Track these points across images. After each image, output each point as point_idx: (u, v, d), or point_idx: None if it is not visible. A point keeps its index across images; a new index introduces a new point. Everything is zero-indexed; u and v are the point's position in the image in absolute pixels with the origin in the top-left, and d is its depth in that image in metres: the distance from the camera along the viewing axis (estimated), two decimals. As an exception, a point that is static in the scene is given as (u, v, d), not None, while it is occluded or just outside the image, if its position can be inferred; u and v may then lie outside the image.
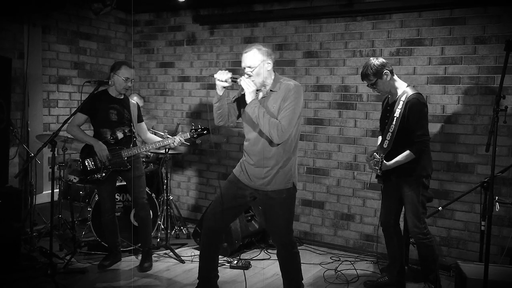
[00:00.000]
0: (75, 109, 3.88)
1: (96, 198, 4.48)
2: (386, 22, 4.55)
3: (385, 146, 3.53)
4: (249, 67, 3.03)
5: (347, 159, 4.83)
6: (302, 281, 3.37)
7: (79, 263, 4.22)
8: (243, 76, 3.04)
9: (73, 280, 3.88)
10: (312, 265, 4.39)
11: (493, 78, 4.11)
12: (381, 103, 4.61)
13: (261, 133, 3.07)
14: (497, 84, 4.03)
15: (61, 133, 4.06)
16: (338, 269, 4.28)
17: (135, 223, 4.47)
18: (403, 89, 3.52)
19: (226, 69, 3.11)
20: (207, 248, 3.35)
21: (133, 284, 3.89)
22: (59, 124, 5.11)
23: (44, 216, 4.88)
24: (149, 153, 5.38)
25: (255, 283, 3.97)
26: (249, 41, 5.28)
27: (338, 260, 4.52)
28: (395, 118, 3.47)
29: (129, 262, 4.33)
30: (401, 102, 3.46)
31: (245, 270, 4.22)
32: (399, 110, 3.45)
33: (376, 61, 3.50)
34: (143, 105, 5.63)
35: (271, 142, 3.06)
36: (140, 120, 4.27)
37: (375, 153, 3.57)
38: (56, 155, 3.95)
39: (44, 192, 5.14)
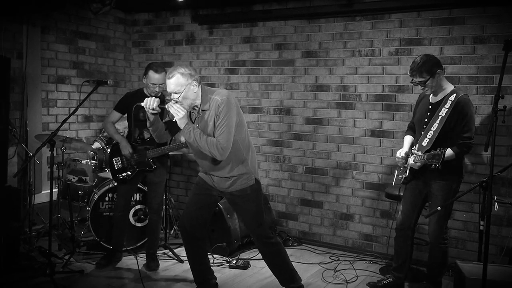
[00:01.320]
0: (74, 108, 3.86)
1: (95, 197, 4.48)
2: (385, 22, 4.55)
3: (424, 144, 3.41)
4: (175, 92, 3.03)
5: (346, 159, 4.83)
6: (302, 282, 3.38)
7: (78, 263, 4.22)
8: (170, 103, 3.04)
9: (72, 280, 3.88)
10: (311, 264, 4.39)
11: (492, 77, 4.11)
12: (380, 103, 4.63)
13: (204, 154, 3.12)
14: (496, 84, 4.03)
15: (60, 133, 4.06)
16: (337, 268, 4.28)
17: (133, 222, 4.47)
18: (451, 89, 3.43)
19: (155, 96, 3.19)
20: (190, 251, 3.43)
21: (133, 284, 3.89)
22: (58, 123, 5.09)
23: (43, 215, 4.87)
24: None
25: (254, 283, 3.96)
26: (248, 40, 5.28)
27: (337, 260, 4.52)
28: (439, 117, 3.37)
29: (129, 261, 4.33)
30: (449, 102, 3.36)
31: (244, 270, 4.22)
32: (446, 110, 3.35)
33: (429, 58, 3.37)
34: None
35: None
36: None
37: (412, 151, 3.47)
38: (55, 154, 3.95)
39: (43, 192, 5.13)
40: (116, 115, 4.15)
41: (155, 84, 3.97)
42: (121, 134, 4.26)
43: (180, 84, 3.00)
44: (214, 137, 3.01)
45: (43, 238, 4.53)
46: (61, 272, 3.93)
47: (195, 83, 3.05)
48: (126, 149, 4.04)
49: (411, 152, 3.52)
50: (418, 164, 3.41)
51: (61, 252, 4.42)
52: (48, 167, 4.65)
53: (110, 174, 4.24)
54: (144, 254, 4.30)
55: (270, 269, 3.44)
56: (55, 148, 3.89)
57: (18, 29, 4.91)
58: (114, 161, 4.13)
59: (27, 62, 4.94)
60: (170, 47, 5.87)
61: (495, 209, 3.52)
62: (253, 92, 5.32)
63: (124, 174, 4.06)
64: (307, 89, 4.99)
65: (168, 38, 5.88)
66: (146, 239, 4.32)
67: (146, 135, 4.09)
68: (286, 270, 3.38)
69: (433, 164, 3.23)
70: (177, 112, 3.00)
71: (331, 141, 4.90)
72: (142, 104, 3.07)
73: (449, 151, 3.29)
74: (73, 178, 4.68)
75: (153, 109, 3.05)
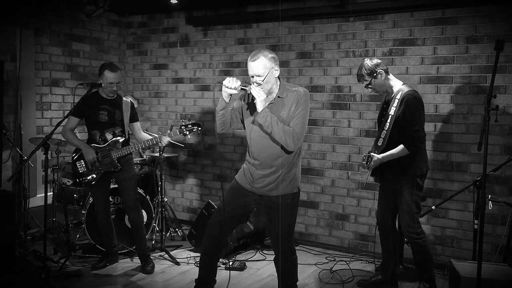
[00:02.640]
0: (68, 111, 3.86)
1: (90, 200, 4.47)
2: (379, 22, 4.56)
3: (379, 144, 3.55)
4: (258, 75, 2.96)
5: (341, 159, 4.84)
6: (297, 283, 3.37)
7: (73, 266, 4.21)
8: (252, 85, 2.96)
9: (68, 284, 3.87)
10: (307, 265, 4.39)
11: (485, 77, 4.13)
12: (374, 103, 4.65)
13: (268, 139, 3.02)
14: (489, 83, 4.05)
15: (54, 136, 4.06)
16: (333, 269, 4.29)
17: (129, 225, 4.46)
18: (399, 87, 3.54)
19: (234, 76, 3.01)
20: (208, 255, 3.31)
21: (129, 287, 3.88)
22: (52, 127, 5.08)
23: (38, 219, 4.85)
24: (144, 155, 5.37)
25: (250, 284, 3.96)
26: (243, 42, 5.29)
27: (333, 260, 4.53)
28: (390, 116, 3.49)
29: (125, 264, 4.32)
30: (396, 100, 3.48)
31: (240, 271, 4.22)
32: (394, 108, 3.47)
33: (369, 61, 3.53)
34: (137, 107, 5.61)
35: (277, 148, 3.02)
36: (134, 119, 4.24)
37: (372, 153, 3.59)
38: (49, 158, 3.94)
39: (37, 195, 5.11)
40: (74, 121, 4.05)
41: (113, 83, 3.97)
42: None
43: (265, 67, 2.94)
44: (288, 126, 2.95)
45: (38, 242, 4.51)
46: (57, 276, 3.92)
47: (277, 68, 3.02)
48: (90, 154, 3.98)
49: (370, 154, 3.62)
50: (372, 164, 3.57)
51: (57, 256, 4.40)
52: (43, 171, 4.64)
53: (73, 179, 4.17)
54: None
55: (278, 279, 3.29)
56: (49, 151, 3.87)
57: (11, 32, 4.89)
58: (77, 164, 4.08)
59: (20, 65, 4.92)
60: (164, 49, 5.86)
61: (489, 208, 3.55)
62: (248, 93, 5.32)
63: (89, 177, 4.03)
64: (302, 90, 5.00)
65: (162, 40, 5.87)
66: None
67: (108, 136, 4.07)
68: (293, 283, 3.32)
69: (364, 167, 3.57)
70: (259, 94, 2.92)
71: (326, 141, 4.91)
72: (224, 82, 2.93)
73: (400, 147, 3.44)
74: (68, 181, 4.67)
75: (234, 88, 2.92)
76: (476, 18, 4.15)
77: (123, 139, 4.12)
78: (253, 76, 2.98)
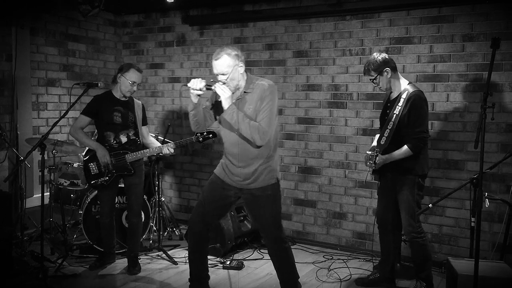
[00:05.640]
0: (65, 111, 3.84)
1: (88, 201, 4.46)
2: (375, 21, 4.57)
3: (382, 142, 3.52)
4: (222, 74, 3.01)
5: (338, 158, 4.84)
6: (299, 279, 3.38)
7: (71, 267, 4.19)
8: (217, 83, 3.01)
9: (65, 284, 3.86)
10: (305, 264, 4.40)
11: (481, 75, 4.14)
12: (371, 101, 4.65)
13: (240, 135, 3.06)
14: (485, 81, 4.07)
15: (50, 136, 4.04)
16: (331, 267, 4.30)
17: (126, 225, 4.45)
18: (405, 87, 3.51)
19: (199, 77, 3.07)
20: (195, 251, 3.37)
21: (126, 286, 3.88)
22: (48, 127, 5.07)
23: (35, 219, 4.84)
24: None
25: (248, 283, 3.97)
26: (239, 41, 5.28)
27: (331, 259, 4.53)
28: (394, 115, 3.47)
29: (122, 264, 4.31)
30: (402, 99, 3.45)
31: (238, 271, 4.22)
32: (399, 107, 3.44)
33: (378, 56, 3.49)
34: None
35: (251, 143, 3.06)
36: (144, 123, 4.21)
37: (371, 150, 3.57)
38: (46, 158, 3.92)
39: (34, 196, 5.09)
40: (85, 120, 4.01)
41: (135, 82, 3.95)
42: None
43: (228, 65, 2.98)
44: (255, 121, 2.99)
45: (35, 242, 4.50)
46: (54, 276, 3.91)
47: (241, 64, 3.04)
48: (105, 157, 3.93)
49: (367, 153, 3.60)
50: (373, 165, 3.52)
51: (54, 256, 4.39)
52: (39, 171, 4.63)
53: (85, 181, 4.15)
54: (141, 253, 4.29)
55: (277, 272, 3.35)
56: (46, 152, 3.85)
57: (6, 32, 4.87)
58: (90, 166, 4.04)
59: (16, 64, 4.90)
60: (160, 48, 5.85)
61: (486, 206, 3.56)
62: (244, 92, 5.31)
63: (101, 180, 4.00)
64: (299, 89, 5.00)
65: (158, 40, 5.86)
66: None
67: (123, 139, 4.02)
68: (294, 275, 3.35)
69: (370, 167, 3.47)
70: (223, 92, 2.96)
71: (323, 140, 4.91)
72: (188, 84, 2.99)
73: (404, 148, 3.42)
74: (65, 181, 4.65)
75: (200, 89, 2.98)
76: (472, 16, 4.16)
77: (140, 142, 4.09)
78: (218, 75, 3.03)
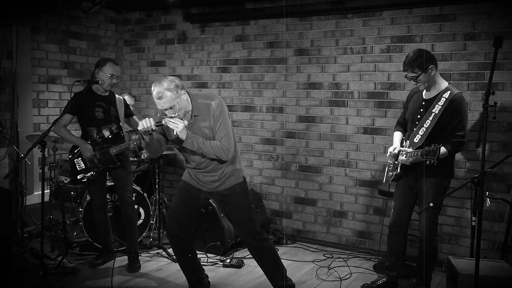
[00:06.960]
0: (64, 109, 3.85)
1: (88, 198, 4.46)
2: (377, 19, 4.55)
3: (416, 140, 3.42)
4: (170, 108, 3.00)
5: (339, 157, 4.84)
6: (286, 270, 3.43)
7: (71, 264, 4.19)
8: (166, 118, 3.00)
9: (65, 281, 3.86)
10: (305, 262, 4.39)
11: (483, 74, 4.13)
12: (372, 100, 4.64)
13: (202, 155, 3.12)
14: (487, 80, 4.05)
15: (51, 133, 4.03)
16: (331, 266, 4.29)
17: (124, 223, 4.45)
18: (446, 86, 3.42)
19: (150, 117, 3.03)
20: (183, 255, 3.43)
21: (126, 284, 3.87)
22: (49, 124, 5.06)
23: (35, 217, 4.83)
24: (141, 153, 5.35)
25: (248, 282, 3.96)
26: (240, 39, 5.27)
27: (331, 257, 4.53)
28: (433, 114, 3.36)
29: (122, 262, 4.31)
30: (443, 99, 3.35)
31: (238, 269, 4.21)
32: (440, 107, 3.34)
33: (425, 53, 3.35)
34: (134, 104, 5.60)
35: (216, 159, 3.13)
36: (130, 114, 4.26)
37: (402, 148, 3.47)
38: (46, 155, 3.92)
39: (34, 193, 5.09)
40: (67, 117, 4.04)
41: (114, 75, 3.98)
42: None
43: (172, 99, 2.98)
44: (214, 139, 3.05)
45: (36, 240, 4.49)
46: (54, 274, 3.90)
47: (183, 92, 3.05)
48: (88, 151, 3.99)
49: (401, 149, 3.52)
50: (410, 160, 3.40)
51: (54, 254, 4.39)
52: (40, 168, 4.62)
53: (71, 177, 4.17)
54: (141, 251, 4.28)
55: (262, 268, 3.43)
56: (46, 149, 3.85)
57: (7, 29, 4.86)
58: (75, 162, 4.07)
59: (17, 62, 4.90)
60: (162, 46, 5.84)
61: (487, 205, 3.54)
62: (245, 90, 5.31)
63: (88, 175, 4.03)
64: (300, 87, 4.99)
65: (159, 37, 5.85)
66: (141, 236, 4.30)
67: (106, 133, 4.06)
68: (278, 267, 3.39)
69: (428, 160, 3.23)
70: (176, 126, 2.97)
71: (324, 138, 4.90)
72: (139, 127, 2.99)
73: (442, 149, 3.28)
74: (65, 179, 4.65)
75: (150, 129, 2.98)
76: (474, 15, 4.14)
77: (123, 134, 4.14)
78: (165, 110, 3.02)
